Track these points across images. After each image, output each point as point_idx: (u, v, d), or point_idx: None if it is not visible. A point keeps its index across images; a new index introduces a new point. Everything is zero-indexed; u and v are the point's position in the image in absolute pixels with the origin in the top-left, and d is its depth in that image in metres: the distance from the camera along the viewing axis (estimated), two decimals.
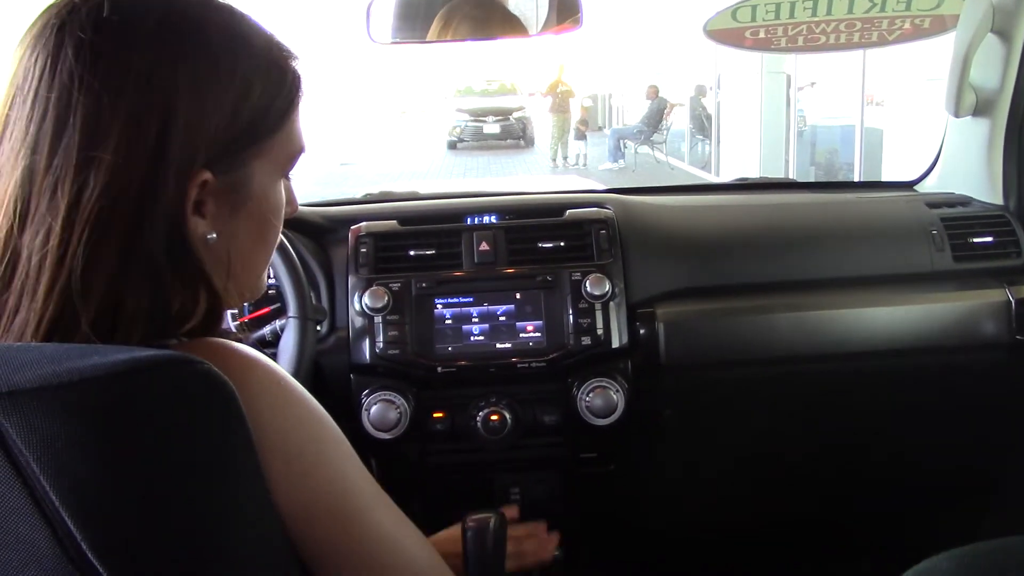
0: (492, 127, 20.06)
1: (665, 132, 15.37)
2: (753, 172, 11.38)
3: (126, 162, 0.69)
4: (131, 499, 0.60)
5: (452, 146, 19.90)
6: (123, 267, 0.70)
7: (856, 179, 9.14)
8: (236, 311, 1.67)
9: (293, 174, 0.87)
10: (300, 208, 1.77)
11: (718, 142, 13.84)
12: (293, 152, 0.83)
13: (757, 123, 11.74)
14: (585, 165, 16.18)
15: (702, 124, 14.68)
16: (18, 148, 0.70)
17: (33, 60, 0.71)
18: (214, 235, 0.77)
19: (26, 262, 0.69)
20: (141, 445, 0.60)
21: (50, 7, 0.73)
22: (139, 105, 0.70)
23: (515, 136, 20.24)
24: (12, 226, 0.70)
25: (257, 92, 0.76)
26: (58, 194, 0.68)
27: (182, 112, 0.71)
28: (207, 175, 0.74)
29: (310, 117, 0.86)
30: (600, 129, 20.83)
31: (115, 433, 0.59)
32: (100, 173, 0.69)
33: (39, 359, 0.58)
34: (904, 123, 7.99)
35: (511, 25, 1.63)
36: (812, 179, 10.67)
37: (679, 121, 15.42)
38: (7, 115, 0.71)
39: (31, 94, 0.70)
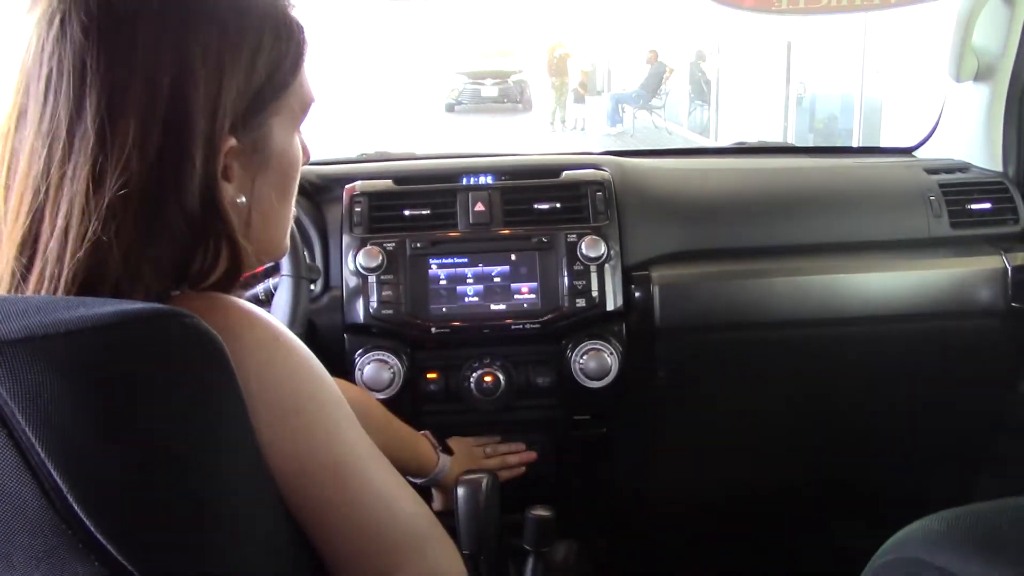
0: (490, 90, 19.92)
1: (664, 97, 15.28)
2: (752, 139, 11.33)
3: (147, 139, 0.69)
4: (116, 452, 0.59)
5: (450, 108, 19.76)
6: (148, 240, 0.70)
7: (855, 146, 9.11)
8: None
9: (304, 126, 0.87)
10: None
11: (717, 108, 13.78)
12: (306, 103, 0.84)
13: (756, 89, 11.67)
14: (583, 129, 16.10)
15: (701, 89, 14.60)
16: (37, 132, 0.69)
17: (40, 46, 0.69)
18: (243, 199, 0.78)
19: (47, 241, 0.69)
20: (126, 397, 0.59)
21: None
22: (155, 80, 0.69)
23: (513, 99, 20.10)
24: (39, 204, 0.69)
25: (267, 48, 0.76)
26: (80, 175, 0.68)
27: (201, 82, 0.71)
28: (232, 141, 0.74)
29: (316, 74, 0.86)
30: (599, 93, 20.70)
31: (101, 385, 0.58)
32: (120, 152, 0.68)
33: (25, 310, 0.58)
34: (904, 91, 7.94)
35: None
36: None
37: (679, 86, 15.33)
38: (22, 102, 0.70)
39: (43, 80, 0.69)
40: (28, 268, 0.69)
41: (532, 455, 1.65)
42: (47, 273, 0.68)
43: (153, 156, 0.69)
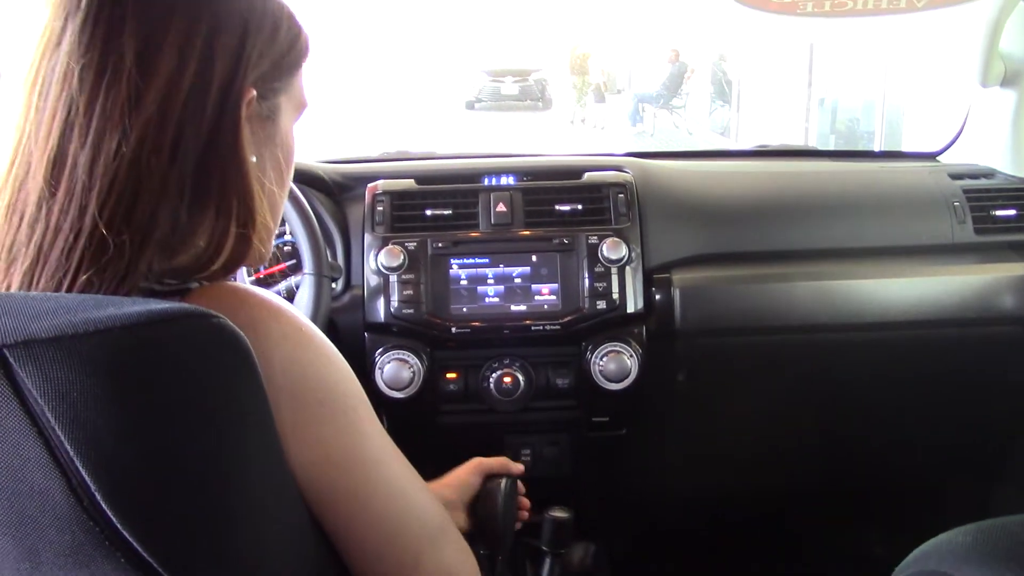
0: (510, 88, 19.91)
1: (685, 97, 15.24)
2: (773, 139, 11.30)
3: (183, 73, 0.72)
4: (144, 450, 0.60)
5: (470, 106, 19.76)
6: (167, 183, 0.73)
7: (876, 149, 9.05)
8: (251, 268, 1.67)
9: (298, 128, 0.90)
10: (317, 164, 1.78)
11: (738, 108, 13.72)
12: (302, 102, 0.88)
13: (778, 91, 11.61)
14: (604, 128, 16.07)
15: (723, 90, 14.55)
16: (72, 53, 0.70)
17: (65, 15, 0.71)
18: (254, 158, 0.80)
19: (76, 155, 0.70)
20: (154, 397, 0.60)
21: None
22: (192, 23, 0.73)
23: (534, 97, 20.08)
24: (69, 121, 0.70)
25: (285, 28, 0.81)
26: (114, 96, 0.70)
27: (232, 33, 0.76)
28: (254, 92, 0.78)
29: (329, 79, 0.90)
30: (620, 92, 20.65)
31: (129, 385, 0.59)
32: (157, 80, 0.71)
33: (55, 309, 0.58)
34: (926, 95, 7.88)
35: None
36: (832, 148, 10.59)
37: (700, 86, 15.27)
38: (59, 27, 0.71)
39: (83, 10, 0.71)
40: (56, 183, 0.70)
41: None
42: (76, 188, 0.70)
43: (187, 87, 0.73)
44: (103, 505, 0.58)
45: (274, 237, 0.90)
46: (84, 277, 0.70)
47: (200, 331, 0.63)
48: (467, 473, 1.33)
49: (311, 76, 0.89)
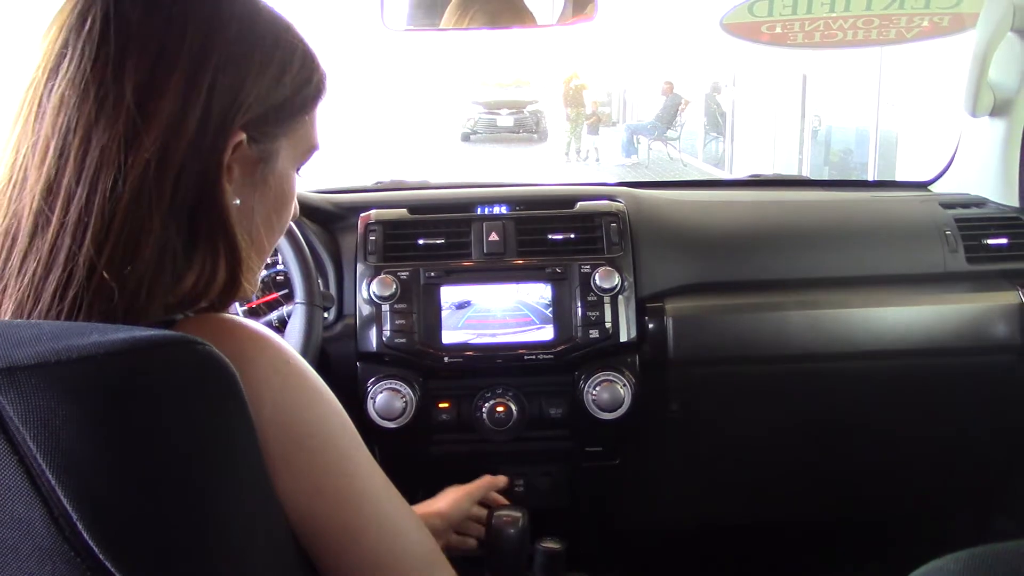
0: (506, 120, 19.97)
1: (679, 128, 15.32)
2: (767, 171, 11.36)
3: (188, 115, 0.71)
4: (127, 479, 0.59)
5: (465, 138, 19.83)
6: (154, 223, 0.71)
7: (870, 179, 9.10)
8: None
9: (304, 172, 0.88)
10: (310, 194, 1.78)
11: (732, 140, 13.80)
12: (311, 145, 0.85)
13: (772, 122, 11.69)
14: (598, 160, 16.14)
15: (716, 121, 14.63)
16: (71, 84, 0.70)
17: (67, 40, 0.71)
18: (237, 200, 0.78)
19: (71, 187, 0.69)
20: (138, 425, 0.59)
21: None
22: (198, 62, 0.72)
23: (529, 129, 20.16)
24: (64, 152, 0.70)
25: (295, 69, 0.79)
26: (112, 133, 0.69)
27: (231, 71, 0.74)
28: (242, 136, 0.75)
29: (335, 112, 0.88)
30: (615, 124, 20.76)
31: (112, 412, 0.58)
32: (154, 120, 0.70)
33: (39, 336, 0.58)
34: (920, 125, 7.94)
35: (525, 16, 1.62)
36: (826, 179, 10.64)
37: (694, 118, 15.36)
38: (59, 52, 0.71)
39: (84, 37, 0.70)
40: (51, 212, 0.69)
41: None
42: (70, 223, 0.69)
43: (191, 131, 0.71)
44: (85, 535, 0.57)
45: (260, 274, 0.89)
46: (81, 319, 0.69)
47: (185, 358, 0.62)
48: (453, 502, 1.33)
49: (326, 115, 0.87)
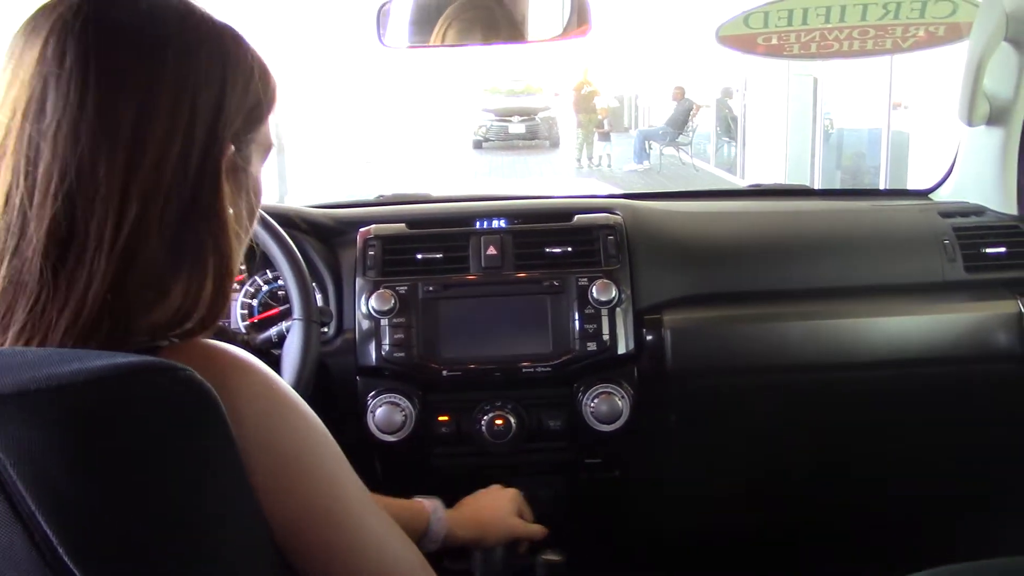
0: (518, 127, 19.98)
1: (691, 134, 15.29)
2: (779, 175, 11.34)
3: (174, 141, 0.72)
4: (108, 506, 0.60)
5: (477, 145, 19.84)
6: (164, 248, 0.73)
7: (882, 184, 9.07)
8: (246, 312, 1.69)
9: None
10: (309, 209, 1.79)
11: (744, 144, 13.76)
12: (270, 144, 0.87)
13: (783, 126, 11.66)
14: (610, 166, 16.13)
15: (728, 126, 14.60)
16: (59, 126, 0.70)
17: (59, 44, 0.71)
18: (231, 210, 0.80)
19: (84, 229, 0.69)
20: (119, 452, 0.60)
21: (46, 11, 0.73)
22: (182, 87, 0.73)
23: (541, 136, 20.15)
24: (68, 192, 0.70)
25: (258, 77, 0.81)
26: (113, 167, 0.70)
27: (213, 92, 0.75)
28: (232, 148, 0.78)
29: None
30: (626, 130, 20.72)
31: (93, 439, 0.59)
32: (151, 149, 0.71)
33: (19, 364, 0.59)
34: (931, 127, 7.91)
35: (519, 30, 1.63)
36: (838, 183, 10.60)
37: (705, 123, 15.34)
38: (39, 95, 0.70)
39: (66, 78, 0.70)
40: (63, 258, 0.69)
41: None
42: (85, 263, 0.69)
43: (177, 151, 0.72)
44: (67, 560, 0.59)
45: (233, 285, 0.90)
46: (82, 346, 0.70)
47: (166, 384, 0.63)
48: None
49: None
